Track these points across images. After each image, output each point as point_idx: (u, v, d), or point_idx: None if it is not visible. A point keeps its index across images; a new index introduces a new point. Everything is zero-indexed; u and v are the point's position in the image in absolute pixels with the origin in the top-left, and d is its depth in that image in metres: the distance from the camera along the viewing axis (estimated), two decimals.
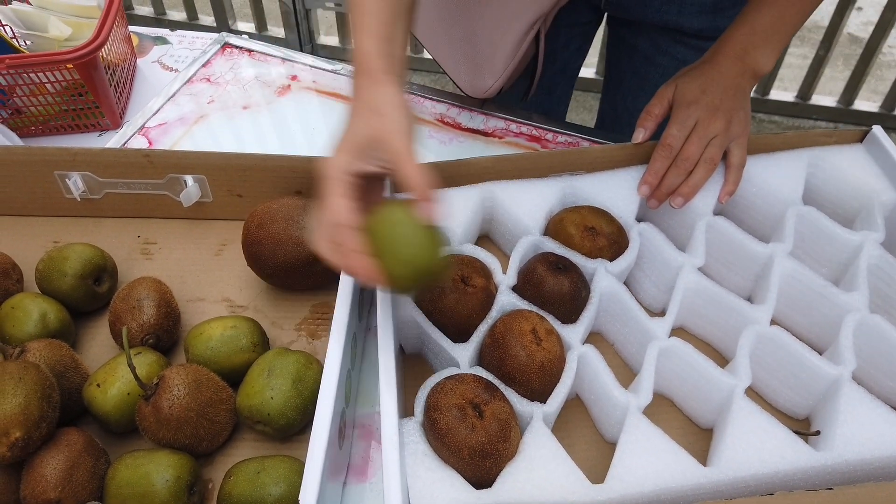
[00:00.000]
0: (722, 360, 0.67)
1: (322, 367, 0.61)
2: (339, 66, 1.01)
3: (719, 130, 0.69)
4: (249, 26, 2.34)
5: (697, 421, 0.62)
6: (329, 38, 2.35)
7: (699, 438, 0.62)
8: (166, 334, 0.64)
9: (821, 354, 0.61)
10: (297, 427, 0.60)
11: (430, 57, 2.29)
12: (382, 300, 0.60)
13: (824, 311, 0.64)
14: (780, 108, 2.13)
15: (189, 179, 0.74)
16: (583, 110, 2.27)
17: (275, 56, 1.03)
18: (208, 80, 0.98)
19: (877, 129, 0.74)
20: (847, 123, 2.10)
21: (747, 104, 0.72)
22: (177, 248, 0.76)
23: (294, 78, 0.99)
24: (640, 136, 0.73)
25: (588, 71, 2.25)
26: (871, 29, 1.92)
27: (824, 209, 0.71)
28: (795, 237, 0.68)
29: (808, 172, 0.73)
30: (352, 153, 0.54)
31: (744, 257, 0.68)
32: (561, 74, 1.01)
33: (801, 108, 2.11)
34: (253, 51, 1.03)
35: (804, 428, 0.62)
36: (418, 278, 0.52)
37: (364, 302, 0.70)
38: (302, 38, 2.27)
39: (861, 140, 0.75)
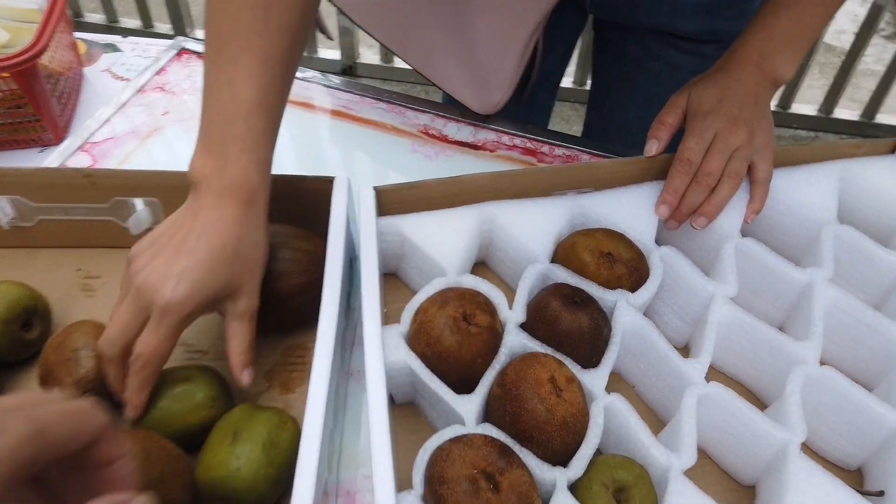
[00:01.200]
0: (757, 401, 0.59)
1: (298, 427, 0.51)
2: (308, 73, 0.92)
3: (742, 142, 0.62)
4: None
5: (737, 476, 0.54)
6: None
7: (740, 497, 0.53)
8: (108, 391, 0.53)
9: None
10: (269, 502, 0.50)
11: (402, 66, 2.21)
12: (371, 342, 0.51)
13: (873, 345, 0.56)
14: None
15: (139, 203, 0.64)
16: (560, 121, 2.21)
17: None
18: (163, 89, 0.87)
19: None
20: (827, 132, 2.08)
21: (769, 113, 0.65)
22: None
23: None
24: (653, 147, 0.65)
25: (566, 80, 2.19)
26: (843, 37, 1.90)
27: (858, 228, 0.64)
28: (834, 259, 0.61)
29: (839, 187, 0.66)
30: (199, 299, 0.49)
31: (777, 284, 0.60)
32: (544, 82, 0.93)
33: (783, 117, 2.08)
34: None
35: (857, 481, 0.54)
36: None
37: (346, 344, 0.60)
38: None
39: (893, 151, 0.69)
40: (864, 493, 0.49)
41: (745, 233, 0.64)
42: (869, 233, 0.65)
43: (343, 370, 0.59)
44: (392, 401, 0.58)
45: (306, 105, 0.88)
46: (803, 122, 2.08)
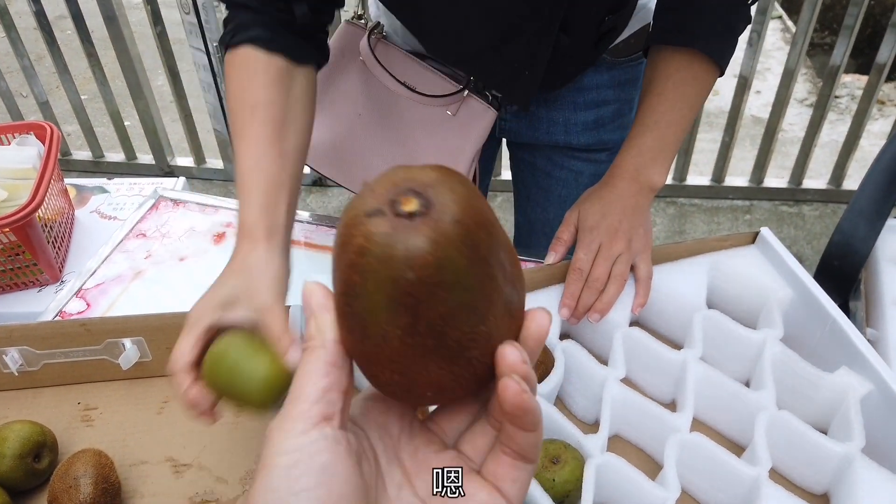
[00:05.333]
0: (650, 461, 0.70)
1: None
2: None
3: (622, 249, 0.76)
4: (188, 160, 2.41)
5: None
6: None
7: None
8: None
9: (744, 449, 0.66)
10: None
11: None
12: None
13: (738, 409, 0.68)
14: (698, 191, 2.27)
15: (127, 342, 0.76)
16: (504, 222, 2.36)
17: (208, 205, 1.07)
18: (144, 235, 1.01)
19: (765, 231, 0.81)
20: (761, 200, 2.25)
21: (647, 220, 0.79)
22: (118, 411, 0.77)
23: (229, 225, 1.03)
24: (551, 258, 0.79)
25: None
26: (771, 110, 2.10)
27: (728, 309, 0.77)
28: (706, 339, 0.74)
29: (710, 276, 0.80)
30: (211, 307, 0.58)
31: (661, 364, 0.73)
32: None
33: (717, 189, 2.25)
34: (186, 202, 1.07)
35: None
36: (259, 399, 0.54)
37: None
38: None
39: (753, 241, 0.83)
40: None
41: (639, 320, 0.77)
42: (739, 312, 0.78)
43: None
44: None
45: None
46: (738, 193, 2.25)
